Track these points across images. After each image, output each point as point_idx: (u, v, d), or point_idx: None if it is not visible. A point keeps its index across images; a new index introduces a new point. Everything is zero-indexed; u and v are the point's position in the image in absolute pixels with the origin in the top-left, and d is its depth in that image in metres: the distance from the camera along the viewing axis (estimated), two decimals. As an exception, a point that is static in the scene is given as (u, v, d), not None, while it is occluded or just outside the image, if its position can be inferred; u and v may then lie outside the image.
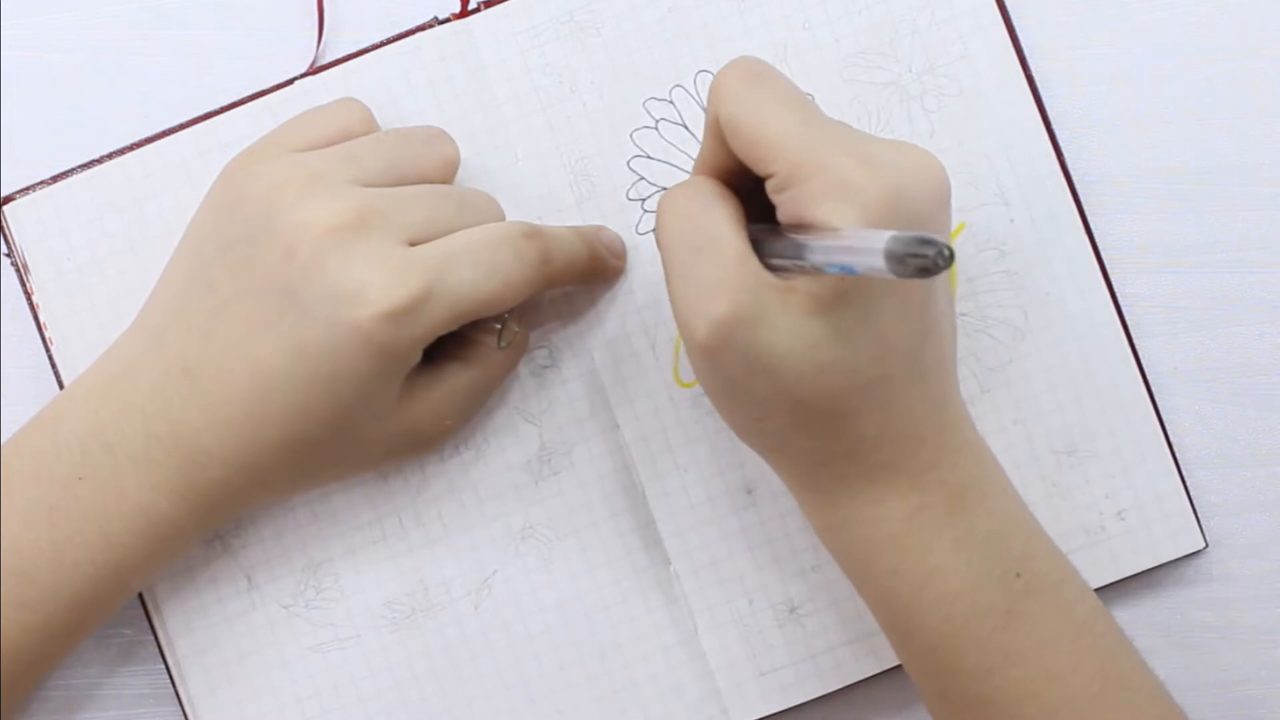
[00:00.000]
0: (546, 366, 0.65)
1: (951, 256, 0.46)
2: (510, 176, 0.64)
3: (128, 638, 0.66)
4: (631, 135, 0.65)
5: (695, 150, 0.64)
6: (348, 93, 0.64)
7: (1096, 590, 0.62)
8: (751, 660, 0.64)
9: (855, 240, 0.49)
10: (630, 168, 0.65)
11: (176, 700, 0.65)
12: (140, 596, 0.64)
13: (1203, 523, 0.65)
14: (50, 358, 0.65)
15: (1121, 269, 0.65)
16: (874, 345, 0.53)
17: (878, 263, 0.47)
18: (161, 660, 0.65)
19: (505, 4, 0.64)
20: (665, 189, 0.64)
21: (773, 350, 0.53)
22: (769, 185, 0.54)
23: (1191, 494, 0.65)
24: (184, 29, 0.66)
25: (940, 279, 0.56)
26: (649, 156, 0.65)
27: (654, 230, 0.59)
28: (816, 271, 0.52)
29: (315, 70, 0.65)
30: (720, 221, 0.54)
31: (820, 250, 0.51)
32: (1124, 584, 0.65)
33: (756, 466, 0.64)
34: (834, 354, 0.53)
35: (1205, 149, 0.66)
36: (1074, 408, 0.64)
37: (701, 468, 0.64)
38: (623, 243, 0.64)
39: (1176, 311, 0.66)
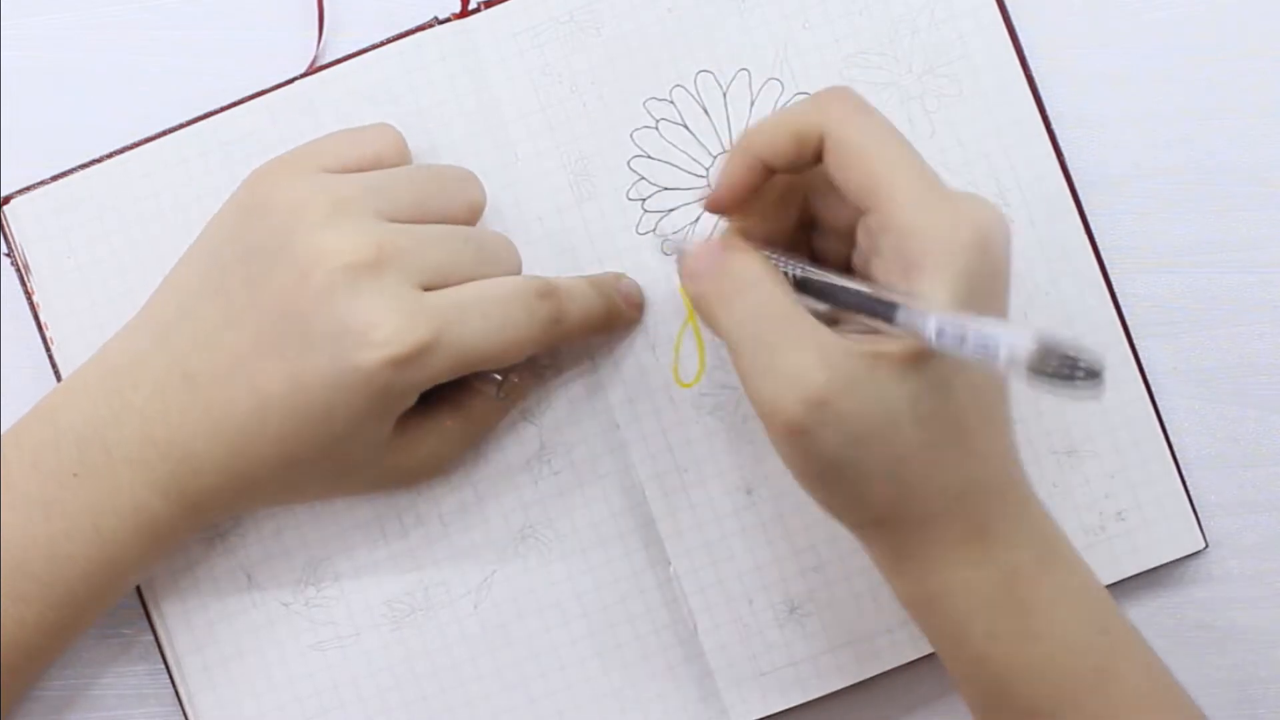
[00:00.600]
0: (546, 366, 0.65)
1: (1102, 376, 0.44)
2: (510, 176, 0.64)
3: (127, 636, 0.66)
4: (631, 135, 0.65)
5: (695, 150, 0.65)
6: (348, 93, 0.64)
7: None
8: (751, 660, 0.64)
9: (980, 346, 0.48)
10: (630, 168, 0.65)
11: (175, 698, 0.65)
12: (140, 594, 0.64)
13: (1203, 523, 0.65)
14: (50, 358, 0.65)
15: (1121, 269, 0.65)
16: (968, 391, 0.54)
17: (1016, 368, 0.45)
18: (161, 658, 0.65)
19: (505, 4, 0.64)
20: (666, 188, 0.64)
21: (873, 417, 0.52)
22: (868, 220, 0.54)
23: (1191, 494, 0.64)
24: (184, 29, 0.66)
25: None
26: (649, 156, 0.65)
27: (702, 320, 0.58)
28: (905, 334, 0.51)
29: (315, 70, 0.65)
30: (775, 294, 0.54)
31: (931, 339, 0.50)
32: (1124, 584, 0.65)
33: (756, 466, 0.64)
34: (933, 404, 0.53)
35: (1205, 149, 0.66)
36: (1074, 408, 0.64)
37: (701, 468, 0.64)
38: (640, 291, 0.64)
39: (1176, 311, 0.66)
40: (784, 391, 0.53)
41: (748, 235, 0.57)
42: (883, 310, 0.52)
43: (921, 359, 0.52)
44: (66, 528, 0.58)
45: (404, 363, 0.56)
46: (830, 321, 0.54)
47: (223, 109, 0.65)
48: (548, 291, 0.60)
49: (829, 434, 0.53)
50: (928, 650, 0.64)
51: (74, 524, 0.58)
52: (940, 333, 0.50)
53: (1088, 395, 0.44)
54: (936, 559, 0.56)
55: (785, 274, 0.56)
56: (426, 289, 0.58)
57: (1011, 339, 0.46)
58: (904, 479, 0.54)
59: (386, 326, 0.56)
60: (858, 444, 0.53)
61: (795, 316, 0.54)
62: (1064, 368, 0.45)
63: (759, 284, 0.55)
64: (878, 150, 0.54)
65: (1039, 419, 0.64)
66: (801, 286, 0.55)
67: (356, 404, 0.57)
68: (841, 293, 0.54)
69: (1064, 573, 0.56)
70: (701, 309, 0.56)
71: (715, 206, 0.58)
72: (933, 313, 0.51)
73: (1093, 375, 0.44)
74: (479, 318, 0.58)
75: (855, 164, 0.54)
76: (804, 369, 0.53)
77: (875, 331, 0.53)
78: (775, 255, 0.57)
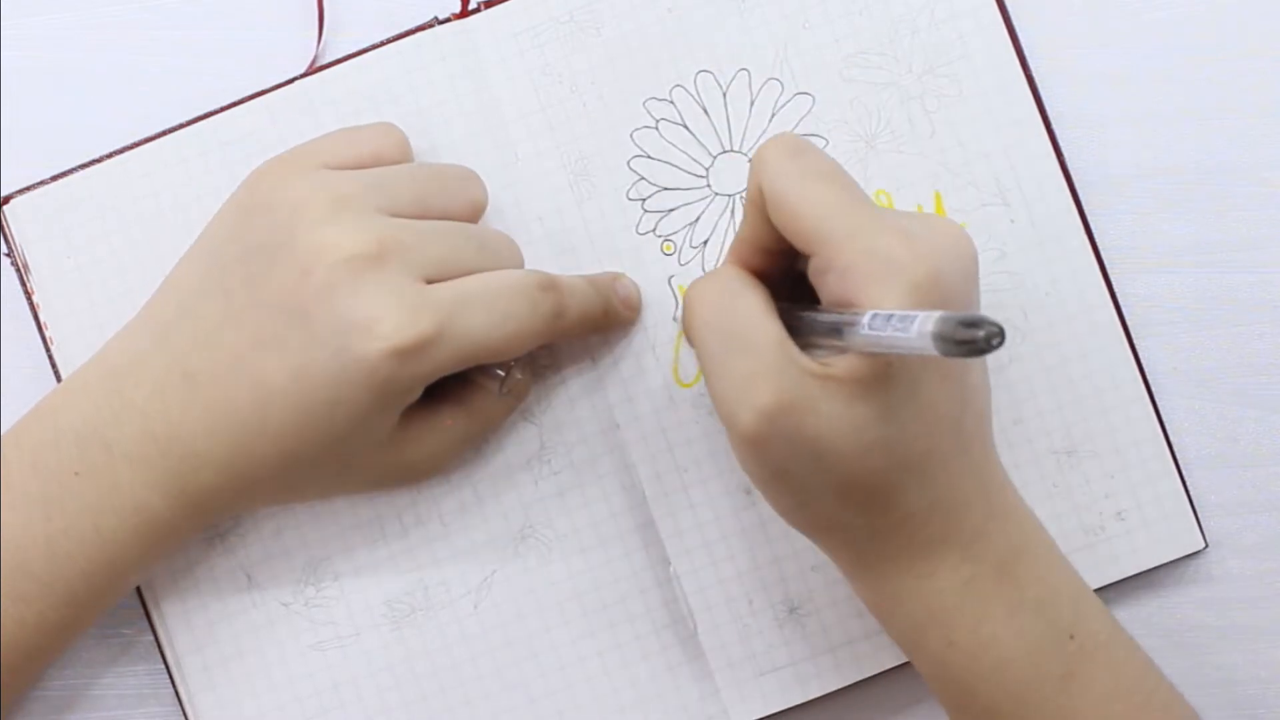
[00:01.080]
0: (546, 366, 0.65)
1: (1003, 336, 0.46)
2: (510, 176, 0.64)
3: (127, 636, 0.66)
4: (631, 135, 0.65)
5: (695, 150, 0.65)
6: (348, 93, 0.64)
7: (1096, 590, 0.62)
8: (751, 660, 0.64)
9: (900, 325, 0.49)
10: (630, 168, 0.65)
11: (175, 698, 0.65)
12: (140, 594, 0.64)
13: (1203, 523, 0.65)
14: (50, 358, 0.65)
15: (1121, 269, 0.65)
16: (919, 421, 0.54)
17: (926, 346, 0.47)
18: (161, 658, 0.65)
19: (505, 4, 0.64)
20: (666, 188, 0.65)
21: (819, 435, 0.53)
22: (812, 265, 0.54)
23: (1191, 494, 0.64)
24: (184, 29, 0.67)
25: None
26: (649, 156, 0.65)
27: (682, 321, 0.60)
28: (859, 353, 0.52)
29: (315, 70, 0.65)
30: (753, 309, 0.55)
31: (864, 334, 0.51)
32: (1124, 584, 0.65)
33: (756, 466, 0.64)
34: (880, 433, 0.53)
35: (1205, 149, 0.66)
36: (1074, 408, 0.64)
37: (701, 468, 0.64)
38: (638, 292, 0.64)
39: (1176, 311, 0.66)
40: (738, 399, 0.54)
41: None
42: (833, 334, 0.53)
43: (868, 384, 0.53)
44: (66, 527, 0.58)
45: (407, 355, 0.56)
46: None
47: (223, 109, 0.65)
48: (549, 285, 0.60)
49: (778, 445, 0.54)
50: (928, 650, 0.64)
51: (74, 523, 0.58)
52: (871, 321, 0.50)
53: (992, 349, 0.46)
54: (889, 569, 0.57)
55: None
56: (429, 283, 0.58)
57: (925, 316, 0.48)
58: (851, 497, 0.55)
59: (389, 319, 0.56)
60: (804, 459, 0.54)
61: (761, 330, 0.54)
62: (965, 333, 0.46)
63: (734, 294, 0.56)
64: (807, 194, 0.54)
65: (1039, 419, 0.64)
66: (791, 330, 0.55)
67: (360, 398, 0.57)
68: (800, 320, 0.55)
69: (1027, 581, 0.56)
70: (685, 311, 0.57)
71: None
72: (869, 309, 0.51)
73: (993, 337, 0.46)
74: (482, 310, 0.58)
75: (787, 212, 0.54)
76: (756, 380, 0.53)
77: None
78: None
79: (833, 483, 0.54)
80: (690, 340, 0.57)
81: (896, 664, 0.64)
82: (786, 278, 0.58)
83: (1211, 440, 0.66)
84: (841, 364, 0.53)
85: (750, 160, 0.56)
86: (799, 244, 0.55)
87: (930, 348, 0.47)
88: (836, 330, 0.53)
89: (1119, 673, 0.57)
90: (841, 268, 0.53)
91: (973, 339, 0.46)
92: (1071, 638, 0.56)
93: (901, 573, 0.56)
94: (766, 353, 0.53)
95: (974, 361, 0.56)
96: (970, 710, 0.57)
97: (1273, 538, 0.66)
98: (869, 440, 0.53)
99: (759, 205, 0.56)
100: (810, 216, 0.54)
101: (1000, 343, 0.46)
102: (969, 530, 0.56)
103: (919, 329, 0.48)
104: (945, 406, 0.54)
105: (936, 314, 0.47)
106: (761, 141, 0.64)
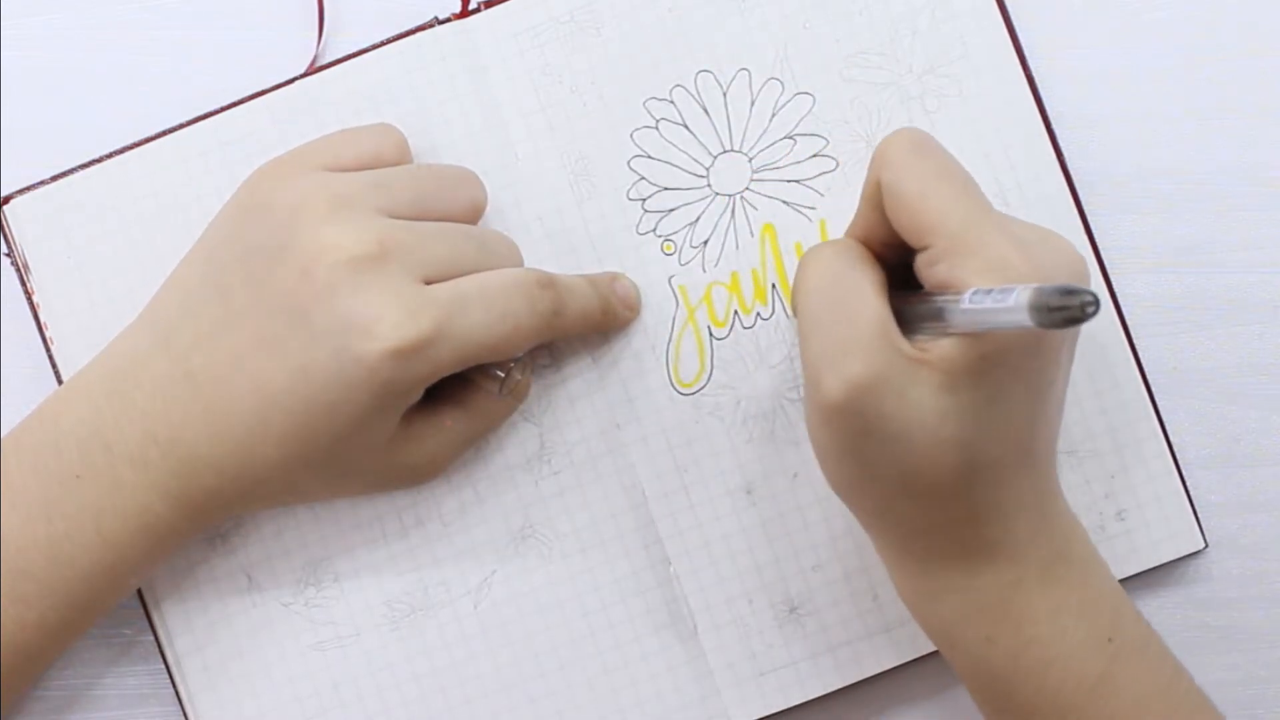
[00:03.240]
0: (546, 366, 0.65)
1: (1098, 305, 0.46)
2: (510, 176, 0.64)
3: (127, 636, 0.66)
4: (632, 135, 0.65)
5: (695, 150, 0.65)
6: (348, 93, 0.64)
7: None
8: (751, 660, 0.64)
9: (1001, 296, 0.49)
10: (630, 168, 0.65)
11: (176, 698, 0.65)
12: (140, 594, 0.64)
13: (1203, 523, 0.65)
14: (50, 358, 0.65)
15: (1121, 269, 0.65)
16: (997, 427, 0.54)
17: (1023, 317, 0.47)
18: (161, 658, 0.65)
19: (505, 4, 0.64)
20: (666, 188, 0.65)
21: (898, 418, 0.53)
22: (921, 258, 0.54)
23: (1191, 494, 0.64)
24: (184, 29, 0.66)
25: (1066, 365, 0.56)
26: (649, 156, 0.65)
27: (793, 282, 0.59)
28: (956, 334, 0.52)
29: (315, 70, 0.65)
30: (864, 283, 0.55)
31: (965, 307, 0.51)
32: (1124, 584, 0.65)
33: (756, 466, 0.64)
34: (958, 429, 0.53)
35: (1206, 149, 0.66)
36: (1074, 408, 0.64)
37: (701, 468, 0.64)
38: (637, 292, 0.64)
39: (1176, 311, 0.66)
40: (828, 365, 0.53)
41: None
42: (933, 314, 0.53)
43: (958, 378, 0.53)
44: (68, 529, 0.58)
45: (407, 355, 0.56)
46: None
47: (223, 109, 0.65)
48: (548, 282, 0.60)
49: (856, 419, 0.53)
50: (927, 650, 0.64)
51: (75, 526, 0.58)
52: (972, 296, 0.51)
53: (1088, 319, 0.47)
54: (935, 563, 0.56)
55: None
56: (428, 283, 0.58)
57: (1024, 286, 0.48)
58: (913, 487, 0.54)
59: (389, 319, 0.56)
60: (877, 439, 0.54)
61: (866, 303, 0.54)
62: (1062, 300, 0.47)
63: (849, 264, 0.55)
64: (926, 191, 0.54)
65: (1039, 419, 0.64)
66: (896, 315, 0.55)
67: (361, 399, 0.57)
68: (904, 305, 0.55)
69: (1072, 584, 0.57)
70: (798, 271, 0.57)
71: None
72: (954, 299, 0.52)
73: (1088, 306, 0.46)
74: (481, 309, 0.58)
75: (905, 208, 0.54)
76: (851, 350, 0.53)
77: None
78: None
79: (899, 469, 0.54)
80: (794, 298, 0.57)
81: (896, 664, 0.64)
82: (893, 270, 0.57)
83: (1211, 440, 0.66)
84: (936, 351, 0.53)
85: (873, 152, 0.56)
86: (912, 237, 0.54)
87: (1026, 318, 0.47)
88: (938, 313, 0.53)
89: (1154, 676, 0.57)
90: (952, 264, 0.53)
91: (1067, 306, 0.46)
92: (1110, 640, 0.57)
93: (947, 569, 0.56)
94: (867, 326, 0.53)
95: (1060, 380, 0.56)
96: (1007, 708, 0.57)
97: (1273, 538, 0.66)
98: (946, 434, 0.53)
99: (875, 199, 0.56)
100: (927, 210, 0.54)
101: (1095, 311, 0.46)
102: (1020, 535, 0.56)
103: (1017, 298, 0.48)
104: (1023, 421, 0.55)
105: (1033, 285, 0.48)
106: (761, 141, 0.64)
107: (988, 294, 0.50)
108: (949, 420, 0.53)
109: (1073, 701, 0.56)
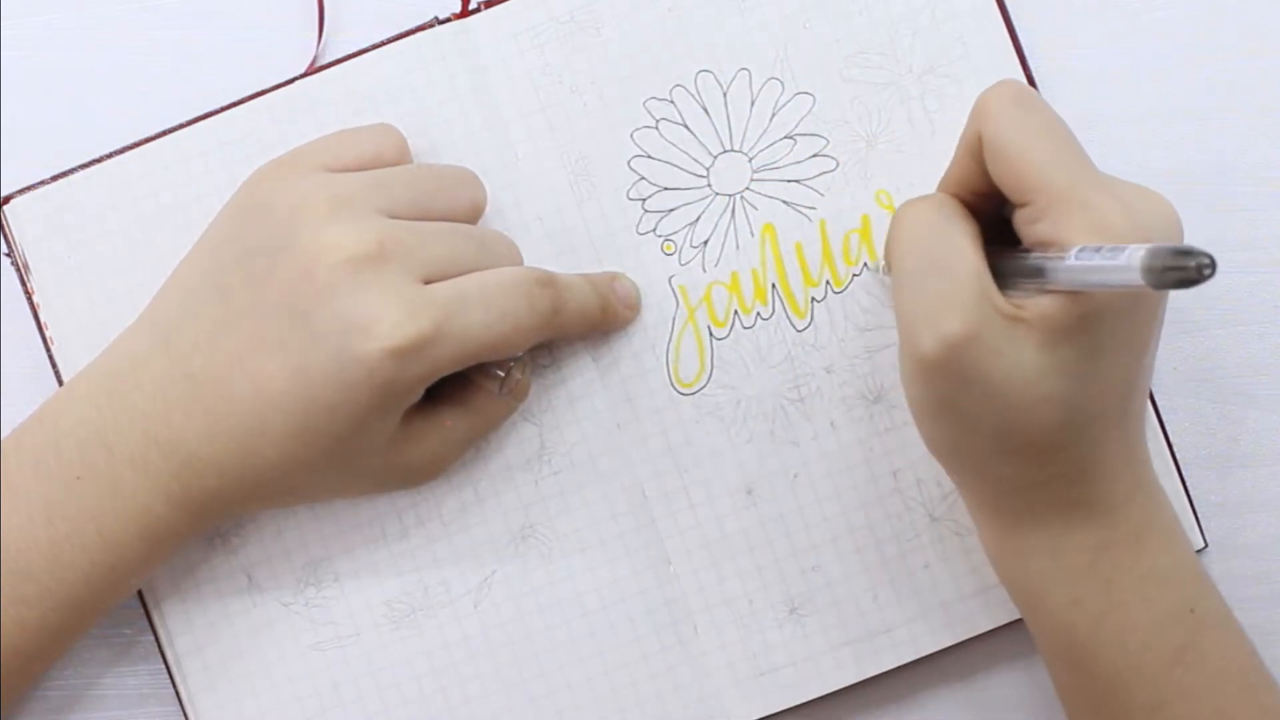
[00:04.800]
0: (546, 366, 0.65)
1: (1214, 267, 0.46)
2: (510, 176, 0.64)
3: (127, 636, 0.66)
4: (632, 135, 0.65)
5: (696, 150, 0.65)
6: (348, 93, 0.64)
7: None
8: (751, 660, 0.64)
9: (1111, 254, 0.49)
10: (630, 168, 0.65)
11: (176, 698, 0.65)
12: (140, 594, 0.64)
13: (1203, 523, 0.65)
14: (50, 358, 0.65)
15: (1121, 269, 0.65)
16: (1095, 385, 0.54)
17: (1133, 276, 0.47)
18: (161, 658, 0.65)
19: (505, 4, 0.64)
20: (666, 188, 0.65)
21: (996, 375, 0.53)
22: (1021, 214, 0.54)
23: (1191, 494, 0.64)
24: (184, 29, 0.66)
25: (1159, 327, 0.56)
26: (649, 156, 0.65)
27: (886, 236, 0.59)
28: (1055, 291, 0.52)
29: (315, 70, 0.65)
30: (960, 238, 0.54)
31: (1071, 263, 0.51)
32: (1124, 584, 0.65)
33: (757, 466, 0.64)
34: (1056, 388, 0.53)
35: (1206, 149, 0.66)
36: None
37: (702, 468, 0.64)
38: (637, 291, 0.64)
39: (1177, 311, 0.66)
40: (925, 321, 0.53)
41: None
42: (1033, 271, 0.53)
43: (1056, 335, 0.52)
44: (68, 531, 0.58)
45: (407, 354, 0.56)
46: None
47: (223, 109, 0.65)
48: (547, 281, 0.60)
49: (953, 376, 0.53)
50: (927, 650, 0.64)
51: (76, 527, 0.58)
52: (1079, 253, 0.50)
53: (1204, 280, 0.46)
54: (1025, 521, 0.57)
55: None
56: (428, 283, 0.58)
57: (1136, 246, 0.48)
58: (1009, 444, 0.54)
59: (389, 319, 0.56)
60: (974, 397, 0.53)
61: (964, 258, 0.54)
62: (1178, 260, 0.46)
63: (946, 219, 0.55)
64: (1029, 144, 0.54)
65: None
66: (992, 270, 0.55)
67: (361, 399, 0.57)
68: (1002, 260, 0.54)
69: (1160, 551, 0.57)
70: (891, 226, 0.57)
71: None
72: (1058, 257, 0.51)
73: (1205, 268, 0.46)
74: (481, 308, 0.58)
75: (1007, 161, 0.54)
76: (948, 306, 0.53)
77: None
78: None
79: (996, 426, 0.54)
80: (888, 254, 0.57)
81: (897, 664, 0.64)
82: (993, 226, 0.57)
83: (1211, 440, 0.66)
84: (1034, 309, 0.53)
85: (974, 103, 0.55)
86: (1013, 193, 0.54)
87: (1138, 277, 0.47)
88: (1039, 270, 0.52)
89: (1231, 651, 0.58)
90: (1054, 220, 0.53)
91: (1182, 267, 0.46)
92: (1193, 611, 0.57)
93: (1038, 527, 0.56)
94: (965, 282, 0.53)
95: (1153, 342, 0.56)
96: (1086, 672, 0.57)
97: (1273, 538, 0.66)
98: (1043, 392, 0.53)
99: (974, 150, 0.55)
100: (1031, 166, 0.53)
101: (1212, 273, 0.46)
102: (1112, 499, 0.56)
103: (1129, 258, 0.47)
104: (1120, 378, 0.54)
105: (1148, 245, 0.47)
106: (761, 141, 0.64)
107: (1096, 251, 0.50)
108: (1047, 377, 0.53)
109: (1150, 671, 0.56)
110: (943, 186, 0.58)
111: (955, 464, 0.57)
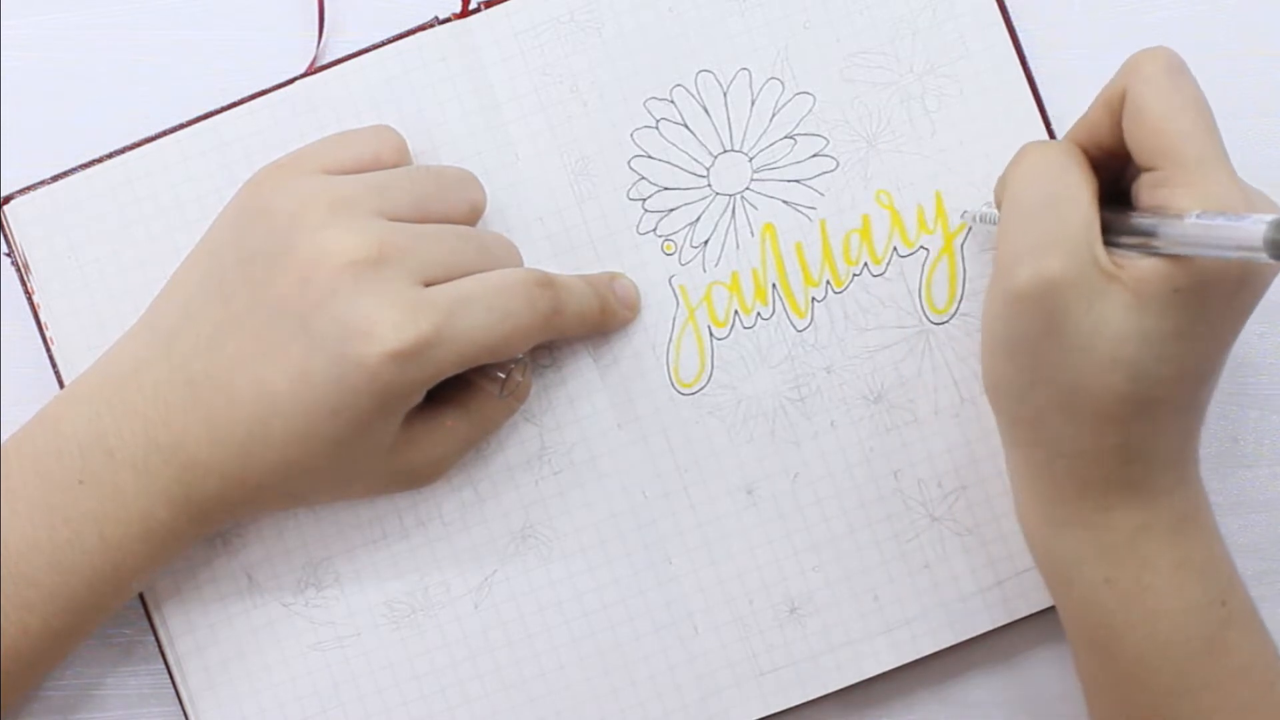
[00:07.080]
0: (547, 366, 0.65)
1: None
2: (510, 176, 0.64)
3: (128, 637, 0.66)
4: (632, 135, 0.65)
5: (696, 150, 0.65)
6: (348, 93, 0.64)
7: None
8: (751, 660, 0.64)
9: (1230, 219, 0.49)
10: (631, 167, 0.65)
11: (177, 699, 0.65)
12: (140, 595, 0.64)
13: (1202, 523, 0.65)
14: (50, 358, 0.65)
15: (1121, 269, 0.65)
16: (1172, 365, 0.54)
17: (1254, 240, 0.47)
18: (162, 659, 0.65)
19: (505, 4, 0.64)
20: (666, 188, 0.65)
21: (1080, 327, 0.53)
22: (1146, 178, 0.54)
23: (1191, 494, 0.65)
24: (184, 29, 0.66)
25: (1242, 325, 0.56)
26: (649, 156, 0.65)
27: (1005, 170, 0.59)
28: (1159, 256, 0.52)
29: (315, 70, 0.65)
30: (1079, 185, 0.55)
31: (1190, 221, 0.51)
32: (1124, 584, 0.65)
33: (757, 466, 0.64)
34: (1134, 354, 0.53)
35: (1205, 149, 0.66)
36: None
37: (701, 468, 0.64)
38: (636, 292, 0.64)
39: (1176, 311, 0.66)
40: (1026, 254, 0.53)
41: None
42: (1144, 229, 0.53)
43: (1146, 303, 0.52)
44: (70, 535, 0.58)
45: (408, 357, 0.56)
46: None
47: (223, 109, 0.65)
48: (546, 282, 0.60)
49: (1037, 317, 0.53)
50: (927, 650, 0.64)
51: (78, 531, 0.58)
52: (1199, 216, 0.51)
53: None
54: (1068, 492, 0.56)
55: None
56: (428, 285, 0.58)
57: (1260, 215, 0.48)
58: (1073, 403, 0.54)
59: (389, 322, 0.56)
60: (1052, 344, 0.53)
61: (1077, 203, 0.54)
62: None
63: (1069, 164, 0.55)
64: (1172, 113, 0.54)
65: (1039, 419, 0.64)
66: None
67: (362, 403, 0.57)
68: (1114, 217, 0.54)
69: (1197, 542, 0.57)
70: (1014, 160, 0.57)
71: None
72: (1173, 220, 0.52)
73: None
74: (481, 310, 0.58)
75: (1148, 123, 0.54)
76: (1052, 245, 0.53)
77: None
78: None
79: (1066, 381, 0.54)
80: (1005, 183, 0.57)
81: (896, 664, 0.64)
82: (1108, 188, 0.57)
83: (1211, 440, 0.66)
84: (1131, 270, 0.53)
85: (1125, 62, 0.55)
86: (1144, 154, 0.54)
87: (1258, 243, 0.47)
88: (1151, 231, 0.52)
89: (1259, 647, 0.58)
90: (1175, 191, 0.53)
91: None
92: (1224, 604, 0.57)
93: (1082, 499, 0.56)
94: (1074, 226, 0.53)
95: (1235, 338, 0.56)
96: (1112, 653, 0.57)
97: (1273, 538, 0.66)
98: (1121, 356, 0.53)
99: (1113, 105, 0.55)
100: (1168, 134, 0.54)
101: None
102: (1158, 486, 0.56)
103: (1253, 224, 0.48)
104: (1196, 365, 0.54)
105: (1271, 216, 0.48)
106: (761, 141, 0.64)
107: (1216, 215, 0.50)
108: (1129, 342, 0.53)
109: (1176, 658, 0.56)
110: (1071, 136, 0.58)
111: (1012, 414, 0.57)
